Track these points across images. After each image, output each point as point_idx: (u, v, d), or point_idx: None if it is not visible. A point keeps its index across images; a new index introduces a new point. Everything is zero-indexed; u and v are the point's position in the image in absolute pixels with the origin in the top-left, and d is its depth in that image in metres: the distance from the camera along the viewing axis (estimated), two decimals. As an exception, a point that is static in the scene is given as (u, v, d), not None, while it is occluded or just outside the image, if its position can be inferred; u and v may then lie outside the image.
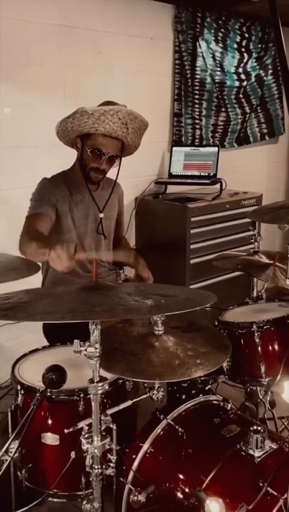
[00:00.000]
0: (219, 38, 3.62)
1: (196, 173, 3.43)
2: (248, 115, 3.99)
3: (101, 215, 2.20)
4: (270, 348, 1.89)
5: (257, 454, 1.39)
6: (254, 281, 2.27)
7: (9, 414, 1.54)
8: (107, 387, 1.33)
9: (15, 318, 1.14)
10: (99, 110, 1.91)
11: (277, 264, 1.99)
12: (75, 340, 1.25)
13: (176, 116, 3.54)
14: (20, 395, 1.54)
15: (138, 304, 1.20)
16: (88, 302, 1.22)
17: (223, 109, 3.78)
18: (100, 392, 1.29)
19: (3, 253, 1.67)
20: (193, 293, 1.50)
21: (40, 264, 1.82)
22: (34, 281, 2.05)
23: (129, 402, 1.49)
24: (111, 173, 2.20)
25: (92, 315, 1.15)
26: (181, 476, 1.43)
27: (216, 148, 3.43)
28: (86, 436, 1.33)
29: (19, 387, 1.55)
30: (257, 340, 1.85)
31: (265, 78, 4.01)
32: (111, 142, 2.03)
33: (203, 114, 3.67)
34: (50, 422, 1.52)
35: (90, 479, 1.35)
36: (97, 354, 1.25)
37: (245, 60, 3.82)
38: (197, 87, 3.57)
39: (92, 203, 2.17)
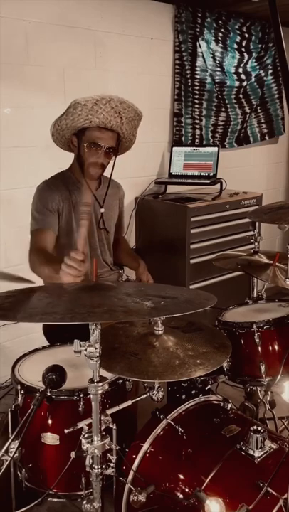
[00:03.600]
0: (219, 38, 3.62)
1: (196, 173, 3.43)
2: (248, 115, 3.99)
3: (102, 210, 2.20)
4: (270, 348, 1.89)
5: (257, 454, 1.39)
6: (254, 281, 2.27)
7: (9, 414, 1.54)
8: (107, 387, 1.32)
9: (14, 319, 1.14)
10: (91, 100, 1.90)
11: (277, 264, 1.99)
12: (75, 340, 1.25)
13: (176, 116, 3.54)
14: (20, 395, 1.54)
15: (138, 305, 1.20)
16: (88, 303, 1.21)
17: (223, 109, 3.78)
18: (99, 392, 1.29)
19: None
20: (193, 294, 1.49)
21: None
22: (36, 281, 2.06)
23: (129, 402, 1.50)
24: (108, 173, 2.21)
25: (91, 317, 1.15)
26: (181, 476, 1.43)
27: (216, 148, 3.43)
28: (86, 436, 1.33)
29: (19, 387, 1.55)
30: (257, 340, 1.85)
31: (265, 78, 4.01)
32: (106, 134, 2.03)
33: (203, 114, 3.67)
34: (50, 421, 1.52)
35: (90, 479, 1.36)
36: (97, 354, 1.25)
37: (245, 60, 3.82)
38: (197, 87, 3.57)
39: (93, 201, 2.17)
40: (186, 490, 1.39)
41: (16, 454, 1.49)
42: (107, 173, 2.22)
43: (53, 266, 1.76)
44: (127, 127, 2.06)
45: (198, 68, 3.53)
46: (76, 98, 1.90)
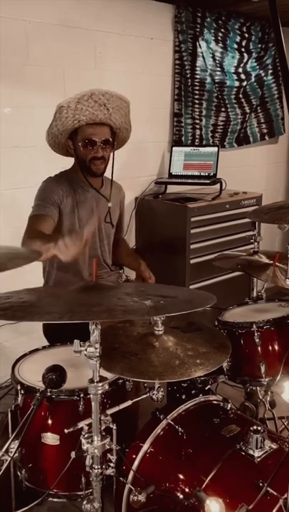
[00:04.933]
0: (219, 38, 3.62)
1: (196, 173, 3.43)
2: (248, 115, 3.99)
3: (109, 204, 2.19)
4: (270, 348, 1.89)
5: (257, 454, 1.39)
6: (254, 281, 2.27)
7: (9, 414, 1.54)
8: (107, 387, 1.33)
9: (14, 318, 1.14)
10: (73, 100, 1.93)
11: (277, 264, 1.99)
12: (75, 340, 1.25)
13: (176, 116, 3.54)
14: (20, 395, 1.54)
15: (137, 304, 1.20)
16: (87, 303, 1.22)
17: (223, 109, 3.77)
18: (100, 392, 1.29)
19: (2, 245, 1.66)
20: (193, 294, 1.50)
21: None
22: (36, 283, 2.06)
23: (129, 402, 1.50)
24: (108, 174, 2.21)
25: (90, 315, 1.15)
26: (181, 476, 1.43)
27: (215, 148, 3.43)
28: (86, 436, 1.33)
29: (19, 387, 1.55)
30: (257, 340, 1.85)
31: (265, 78, 4.01)
32: (98, 129, 2.04)
33: (203, 114, 3.67)
34: (50, 421, 1.52)
35: (90, 479, 1.36)
36: (97, 354, 1.26)
37: (245, 60, 3.82)
38: (197, 87, 3.57)
39: (98, 198, 2.17)
40: (186, 490, 1.39)
41: (16, 454, 1.49)
42: (107, 173, 2.22)
43: (44, 240, 1.76)
44: (117, 117, 2.06)
45: (198, 68, 3.53)
46: (59, 102, 1.92)
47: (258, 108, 4.07)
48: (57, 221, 2.06)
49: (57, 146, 2.13)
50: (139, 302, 1.21)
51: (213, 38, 3.58)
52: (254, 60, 3.88)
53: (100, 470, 1.33)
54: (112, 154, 2.13)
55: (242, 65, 3.81)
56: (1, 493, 1.60)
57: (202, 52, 3.52)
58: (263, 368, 1.85)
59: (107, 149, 2.08)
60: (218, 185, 3.36)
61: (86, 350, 1.25)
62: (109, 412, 1.41)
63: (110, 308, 1.18)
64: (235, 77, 3.78)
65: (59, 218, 2.07)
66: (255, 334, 1.85)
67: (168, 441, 1.51)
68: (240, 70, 3.80)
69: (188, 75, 3.49)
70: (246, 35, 3.78)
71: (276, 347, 1.89)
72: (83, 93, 1.93)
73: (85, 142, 2.04)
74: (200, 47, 3.50)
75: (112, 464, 1.37)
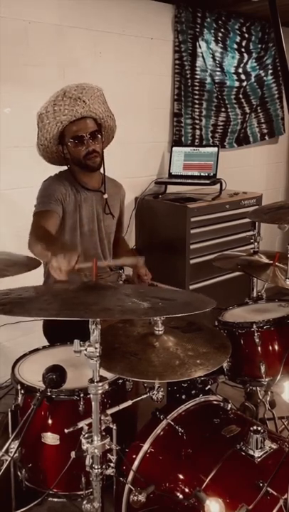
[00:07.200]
0: (219, 38, 3.62)
1: (196, 173, 3.43)
2: (247, 115, 3.99)
3: (105, 196, 2.18)
4: (270, 348, 1.89)
5: (257, 454, 1.39)
6: (254, 281, 2.27)
7: (9, 414, 1.54)
8: (107, 387, 1.33)
9: (11, 313, 1.14)
10: (49, 104, 1.94)
11: (277, 264, 1.99)
12: (75, 340, 1.25)
13: (176, 116, 3.54)
14: (20, 395, 1.54)
15: (134, 305, 1.20)
16: (85, 301, 1.22)
17: (223, 109, 3.78)
18: (100, 392, 1.29)
19: (4, 251, 1.69)
20: (192, 297, 1.49)
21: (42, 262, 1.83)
22: (37, 283, 2.06)
23: (129, 402, 1.50)
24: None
25: (87, 313, 1.15)
26: (181, 476, 1.43)
27: (215, 149, 3.43)
28: (86, 436, 1.33)
29: (19, 387, 1.55)
30: (257, 340, 1.85)
31: (265, 78, 4.01)
32: (82, 124, 2.03)
33: (203, 114, 3.67)
34: (50, 421, 1.52)
35: (90, 479, 1.36)
36: (97, 354, 1.26)
37: (245, 60, 3.82)
38: (197, 87, 3.57)
39: (98, 197, 2.17)
40: (186, 490, 1.39)
41: (16, 454, 1.49)
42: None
43: (47, 243, 1.74)
44: (96, 106, 2.04)
45: (198, 68, 3.53)
46: (37, 111, 1.95)
47: (258, 108, 4.07)
48: (61, 217, 2.06)
49: (50, 156, 2.14)
50: (137, 303, 1.21)
51: (213, 38, 3.58)
52: (254, 60, 3.88)
53: (100, 470, 1.33)
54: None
55: (242, 65, 3.81)
56: (1, 493, 1.60)
57: (202, 53, 3.52)
58: (263, 368, 1.85)
59: (97, 142, 2.06)
60: (218, 186, 3.36)
61: (86, 350, 1.25)
62: (109, 412, 1.41)
63: (108, 308, 1.18)
64: (235, 77, 3.78)
65: (62, 216, 2.07)
66: (255, 334, 1.85)
67: (168, 441, 1.51)
68: (240, 70, 3.81)
69: (188, 75, 3.49)
70: (246, 36, 3.78)
71: (276, 347, 1.89)
72: (56, 94, 1.94)
73: (74, 141, 2.03)
74: (200, 47, 3.50)
75: (112, 464, 1.37)
